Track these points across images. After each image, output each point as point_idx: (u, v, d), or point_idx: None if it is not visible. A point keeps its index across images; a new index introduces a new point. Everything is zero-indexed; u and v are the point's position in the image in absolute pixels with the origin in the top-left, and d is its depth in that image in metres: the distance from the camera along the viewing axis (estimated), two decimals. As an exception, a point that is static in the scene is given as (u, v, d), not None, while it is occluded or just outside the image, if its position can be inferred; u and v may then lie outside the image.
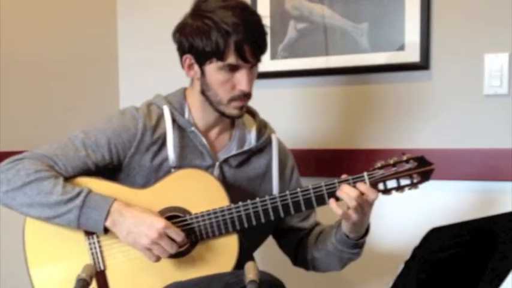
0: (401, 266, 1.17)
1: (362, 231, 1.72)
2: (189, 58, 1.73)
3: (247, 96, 1.73)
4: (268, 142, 1.85)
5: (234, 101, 1.72)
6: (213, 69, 1.69)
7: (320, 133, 2.34)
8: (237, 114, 1.75)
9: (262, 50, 1.71)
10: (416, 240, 1.15)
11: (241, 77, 1.69)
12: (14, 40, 2.35)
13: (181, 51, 1.74)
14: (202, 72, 1.72)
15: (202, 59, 1.70)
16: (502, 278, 1.40)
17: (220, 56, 1.66)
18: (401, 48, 2.16)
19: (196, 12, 1.71)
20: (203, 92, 1.74)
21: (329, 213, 1.72)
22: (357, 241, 1.73)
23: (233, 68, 1.68)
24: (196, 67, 1.73)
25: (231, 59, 1.66)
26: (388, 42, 2.18)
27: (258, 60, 1.72)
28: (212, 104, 1.74)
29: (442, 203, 2.13)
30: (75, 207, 1.63)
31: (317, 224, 1.90)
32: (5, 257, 2.30)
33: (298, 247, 1.88)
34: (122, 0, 2.73)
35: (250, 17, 1.69)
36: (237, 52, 1.65)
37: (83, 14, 2.61)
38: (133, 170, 1.75)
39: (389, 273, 1.23)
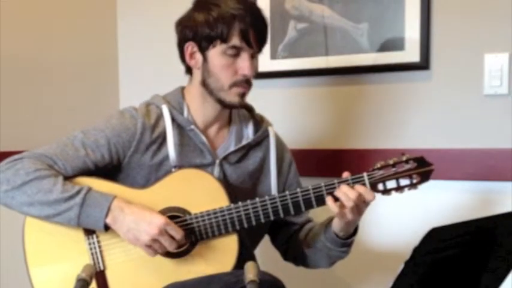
0: (401, 266, 1.17)
1: (351, 230, 1.73)
2: (191, 46, 1.75)
3: (248, 83, 1.75)
4: (266, 135, 1.85)
5: (235, 87, 1.73)
6: (216, 54, 1.72)
7: (320, 133, 2.34)
8: (237, 101, 1.76)
9: (264, 38, 1.76)
10: (416, 240, 1.15)
11: (243, 62, 1.72)
12: (14, 40, 2.34)
13: (184, 41, 1.77)
14: (205, 59, 1.74)
15: (205, 43, 1.73)
16: (502, 278, 1.40)
17: (224, 38, 1.70)
18: (402, 48, 2.16)
19: (201, 2, 1.76)
20: (204, 82, 1.76)
21: (329, 213, 1.72)
22: (345, 240, 1.74)
23: (236, 53, 1.71)
24: (198, 55, 1.75)
25: (235, 40, 1.70)
26: (388, 42, 2.18)
27: (259, 48, 1.76)
28: (213, 93, 1.75)
29: (442, 203, 2.13)
30: (75, 205, 1.63)
31: (309, 220, 1.91)
32: (5, 257, 2.30)
33: (289, 242, 1.89)
34: (122, 0, 2.73)
35: (254, 7, 1.76)
36: (241, 35, 1.69)
37: (83, 14, 2.61)
38: (133, 169, 1.75)
39: (389, 273, 1.23)
